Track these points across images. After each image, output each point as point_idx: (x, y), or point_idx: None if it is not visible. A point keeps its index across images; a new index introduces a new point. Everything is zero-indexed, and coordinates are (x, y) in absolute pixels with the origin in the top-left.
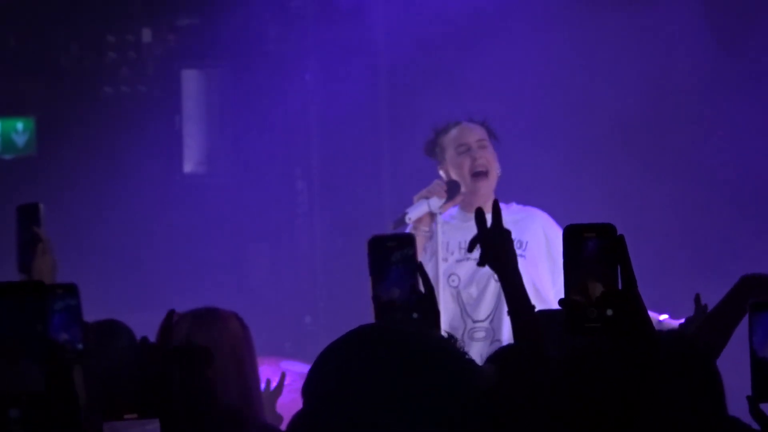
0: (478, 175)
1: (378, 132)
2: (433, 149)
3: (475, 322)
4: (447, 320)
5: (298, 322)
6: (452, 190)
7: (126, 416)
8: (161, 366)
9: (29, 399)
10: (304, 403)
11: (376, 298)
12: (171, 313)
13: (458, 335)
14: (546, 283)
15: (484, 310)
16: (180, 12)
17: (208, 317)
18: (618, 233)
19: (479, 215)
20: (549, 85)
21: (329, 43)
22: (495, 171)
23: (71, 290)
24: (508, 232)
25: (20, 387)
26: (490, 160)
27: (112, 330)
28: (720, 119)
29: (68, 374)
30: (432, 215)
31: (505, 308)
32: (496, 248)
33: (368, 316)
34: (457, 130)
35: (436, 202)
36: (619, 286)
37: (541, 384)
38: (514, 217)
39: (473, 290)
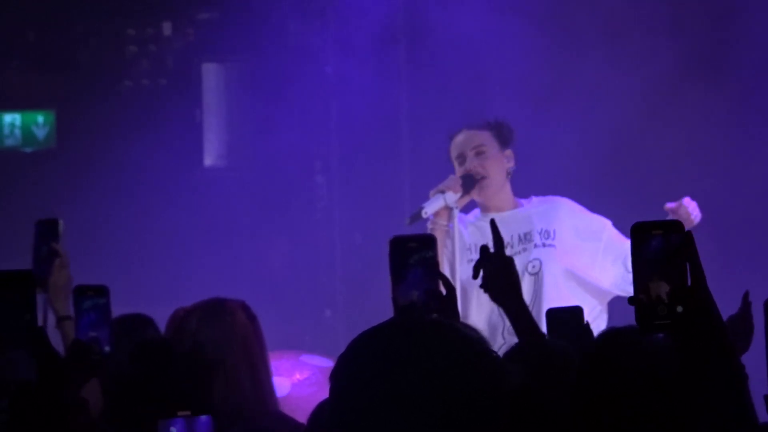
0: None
1: (398, 126)
2: (449, 157)
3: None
4: (485, 318)
5: (317, 316)
6: (467, 184)
7: (180, 413)
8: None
9: (17, 388)
10: (331, 391)
11: (396, 299)
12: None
13: (498, 332)
14: (584, 266)
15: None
16: (200, 5)
17: (215, 311)
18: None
19: (493, 229)
20: (573, 81)
21: (350, 36)
22: (496, 173)
23: (101, 291)
24: (509, 260)
25: (8, 376)
26: (486, 166)
27: (139, 323)
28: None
29: (57, 364)
30: (449, 209)
31: (543, 301)
32: (496, 276)
33: (388, 309)
34: (456, 141)
35: (452, 197)
36: (688, 283)
37: (565, 382)
38: (537, 209)
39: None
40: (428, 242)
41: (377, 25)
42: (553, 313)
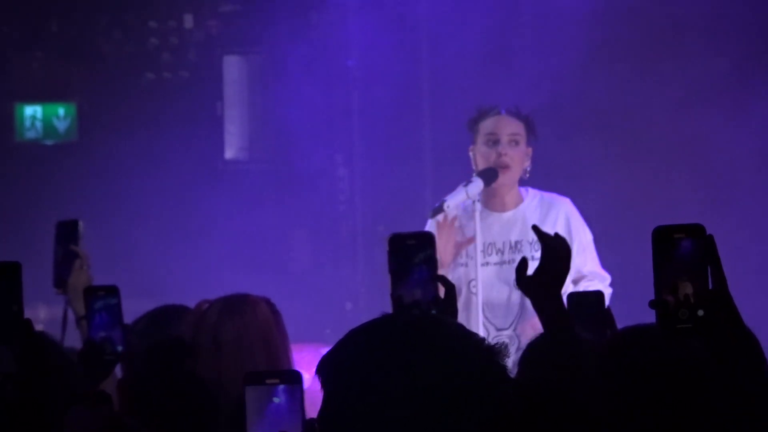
0: (500, 165)
1: (420, 119)
2: (471, 127)
3: (498, 330)
4: (471, 326)
5: (338, 309)
6: (489, 177)
7: (267, 381)
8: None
9: (2, 379)
10: (324, 389)
11: (397, 298)
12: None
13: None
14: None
15: (507, 318)
16: None
17: (237, 304)
18: (707, 233)
19: (537, 230)
20: (593, 73)
21: (372, 29)
22: (519, 167)
23: (112, 291)
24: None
25: None
26: (516, 158)
27: (171, 315)
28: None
29: (42, 356)
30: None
31: (528, 315)
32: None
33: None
34: (494, 119)
35: (474, 189)
36: (710, 287)
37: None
38: (533, 213)
39: (494, 297)
40: (428, 240)
41: (398, 17)
42: (574, 298)
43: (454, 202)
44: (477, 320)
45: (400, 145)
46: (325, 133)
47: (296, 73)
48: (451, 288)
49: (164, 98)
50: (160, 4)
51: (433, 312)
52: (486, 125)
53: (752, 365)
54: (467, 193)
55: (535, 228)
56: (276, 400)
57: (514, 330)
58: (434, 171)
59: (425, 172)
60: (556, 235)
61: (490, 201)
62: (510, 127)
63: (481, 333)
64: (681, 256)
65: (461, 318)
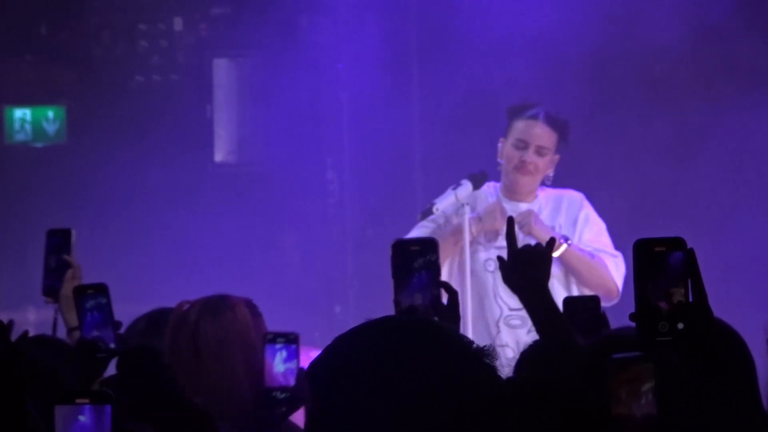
0: (521, 170)
1: (409, 121)
2: (509, 117)
3: (511, 309)
4: (485, 306)
5: (328, 312)
6: (478, 180)
7: (78, 401)
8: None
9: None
10: (313, 396)
11: (398, 303)
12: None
13: (494, 321)
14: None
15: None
16: (212, 1)
17: (216, 305)
18: (688, 246)
19: (509, 227)
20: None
21: (362, 32)
22: (541, 175)
23: (101, 289)
24: (534, 257)
25: None
26: (540, 166)
27: (163, 321)
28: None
29: (14, 362)
30: (460, 205)
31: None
32: (512, 272)
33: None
34: (528, 125)
35: (463, 192)
36: (690, 300)
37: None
38: (541, 208)
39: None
40: (430, 246)
41: (388, 20)
42: (570, 302)
43: (443, 204)
44: (491, 300)
45: (390, 148)
46: (314, 137)
47: (286, 76)
48: (454, 294)
49: (154, 101)
50: (149, 6)
51: (435, 318)
52: (519, 127)
53: (731, 378)
54: (456, 196)
55: (509, 224)
56: (82, 418)
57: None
58: (424, 174)
59: (415, 174)
60: (527, 246)
61: (509, 193)
62: (541, 139)
63: (496, 312)
64: (661, 269)
65: (475, 298)
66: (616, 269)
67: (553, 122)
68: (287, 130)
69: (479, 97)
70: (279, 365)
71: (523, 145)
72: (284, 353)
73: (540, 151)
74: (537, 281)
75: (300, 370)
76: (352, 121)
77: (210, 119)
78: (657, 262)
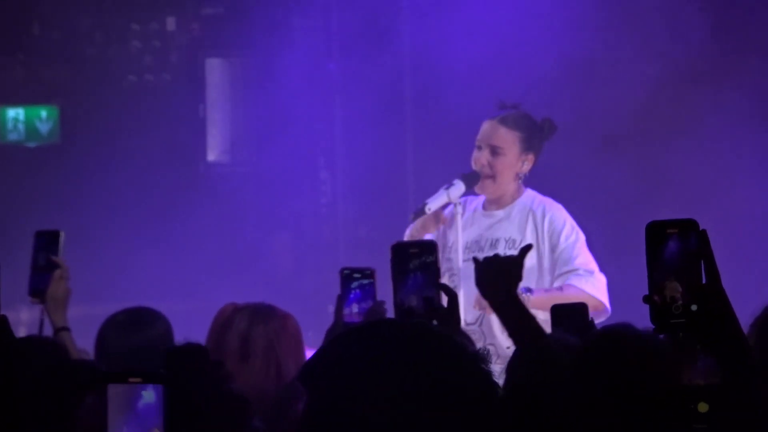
0: (481, 172)
1: (401, 122)
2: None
3: (466, 324)
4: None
5: (321, 312)
6: (471, 181)
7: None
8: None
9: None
10: (309, 395)
11: (398, 305)
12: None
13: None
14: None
15: (473, 313)
16: (204, 1)
17: (267, 312)
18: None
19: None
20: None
21: (353, 32)
22: (502, 176)
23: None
24: (502, 265)
25: None
26: (497, 167)
27: (147, 317)
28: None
29: (14, 355)
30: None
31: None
32: (483, 281)
33: (390, 305)
34: (486, 125)
35: (455, 192)
36: (703, 281)
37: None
38: (520, 214)
39: (461, 293)
40: (429, 248)
41: (380, 21)
42: (557, 310)
43: (436, 204)
44: None
45: (382, 148)
46: (306, 136)
47: (278, 76)
48: (453, 296)
49: (146, 101)
50: (142, 7)
51: (434, 323)
52: (481, 130)
53: (740, 360)
54: (449, 196)
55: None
56: (145, 395)
57: (480, 326)
58: (415, 173)
59: (407, 174)
60: (496, 256)
61: (485, 200)
62: (494, 138)
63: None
64: (674, 251)
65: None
66: (593, 287)
67: (510, 121)
68: (279, 129)
69: (472, 98)
70: (354, 305)
71: (479, 145)
72: (359, 292)
73: (495, 151)
74: (507, 291)
75: (375, 303)
76: (344, 121)
77: (203, 119)
78: (669, 244)
